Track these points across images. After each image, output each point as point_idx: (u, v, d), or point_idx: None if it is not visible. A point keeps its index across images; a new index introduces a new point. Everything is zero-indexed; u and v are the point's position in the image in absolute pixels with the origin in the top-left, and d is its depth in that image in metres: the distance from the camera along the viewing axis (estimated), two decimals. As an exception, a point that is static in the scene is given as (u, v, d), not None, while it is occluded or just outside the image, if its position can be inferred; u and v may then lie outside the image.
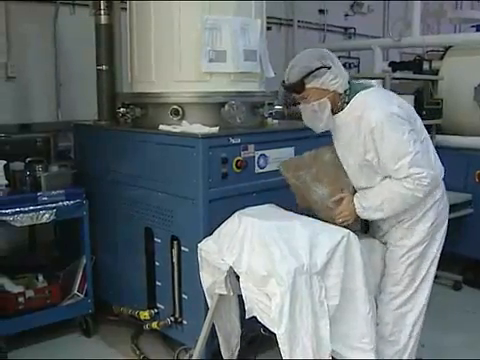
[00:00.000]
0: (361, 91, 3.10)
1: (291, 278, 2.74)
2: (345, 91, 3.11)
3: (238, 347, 3.55)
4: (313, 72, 3.01)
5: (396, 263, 3.21)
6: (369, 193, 3.13)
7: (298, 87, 3.08)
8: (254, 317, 2.92)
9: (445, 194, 3.27)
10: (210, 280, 3.23)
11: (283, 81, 3.16)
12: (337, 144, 3.27)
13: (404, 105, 3.09)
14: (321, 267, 2.86)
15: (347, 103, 3.10)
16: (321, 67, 3.02)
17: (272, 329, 2.76)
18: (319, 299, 2.84)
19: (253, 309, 2.87)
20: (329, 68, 3.02)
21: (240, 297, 3.16)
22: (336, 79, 3.05)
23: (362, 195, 3.17)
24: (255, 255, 2.93)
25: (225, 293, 3.16)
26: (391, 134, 2.93)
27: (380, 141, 2.95)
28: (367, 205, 3.12)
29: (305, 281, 2.80)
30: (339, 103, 3.11)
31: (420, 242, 3.16)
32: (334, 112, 3.13)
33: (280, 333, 2.71)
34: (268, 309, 2.77)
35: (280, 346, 2.72)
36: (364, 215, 3.17)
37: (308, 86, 3.05)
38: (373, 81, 3.41)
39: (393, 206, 3.06)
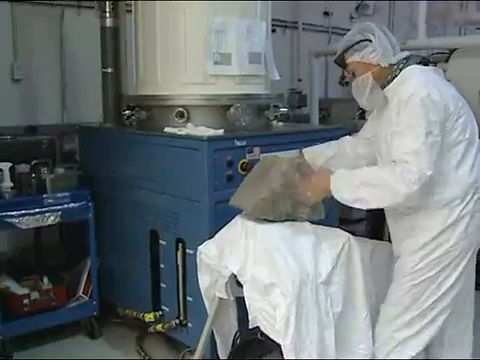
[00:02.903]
0: (414, 65, 2.93)
1: (297, 289, 2.73)
2: (398, 65, 2.91)
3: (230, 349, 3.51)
4: (353, 46, 2.91)
5: (399, 281, 2.93)
6: (354, 170, 2.95)
7: (341, 61, 3.00)
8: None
9: (478, 216, 2.85)
10: (208, 282, 3.20)
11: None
12: (378, 124, 3.05)
13: (447, 96, 2.79)
14: (326, 276, 2.85)
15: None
16: (361, 40, 2.90)
17: (277, 340, 2.73)
18: (325, 309, 2.83)
19: (257, 319, 2.83)
20: (370, 41, 2.88)
21: (238, 299, 3.17)
22: (376, 52, 2.88)
23: (346, 169, 2.98)
24: (259, 263, 2.90)
25: (225, 297, 3.15)
26: (414, 111, 2.71)
27: (402, 114, 2.75)
28: (344, 179, 2.90)
29: (311, 291, 2.79)
30: (389, 77, 2.92)
31: (432, 265, 2.83)
32: (383, 87, 2.95)
33: (286, 344, 2.68)
34: (272, 319, 2.74)
35: (285, 356, 2.69)
36: (337, 190, 2.89)
37: (349, 60, 2.96)
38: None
39: (369, 192, 2.77)
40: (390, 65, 2.91)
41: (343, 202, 2.90)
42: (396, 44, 2.97)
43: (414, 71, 2.89)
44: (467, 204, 2.80)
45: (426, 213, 2.85)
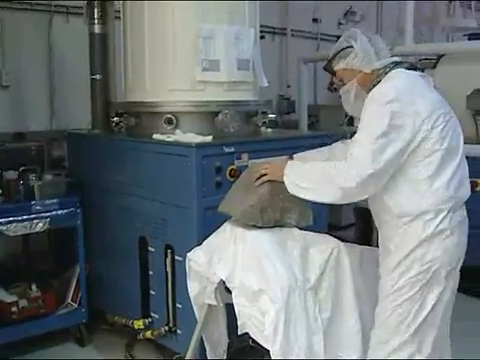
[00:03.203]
0: (398, 69, 2.86)
1: (285, 295, 2.73)
2: (384, 69, 2.85)
3: (225, 356, 3.51)
4: (338, 53, 2.92)
5: (384, 301, 2.82)
6: (310, 162, 2.99)
7: (330, 69, 3.02)
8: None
9: (459, 232, 2.78)
10: (197, 289, 3.20)
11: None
12: None
13: (423, 103, 2.67)
14: (314, 282, 2.86)
15: None
16: (346, 47, 2.90)
17: (266, 346, 2.73)
18: (313, 314, 2.84)
19: (246, 325, 2.83)
20: (352, 47, 2.88)
21: (227, 306, 3.17)
22: (357, 58, 2.86)
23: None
24: (247, 270, 2.90)
25: (214, 304, 3.15)
26: (373, 110, 2.68)
27: (363, 113, 2.72)
28: (296, 167, 2.92)
29: (299, 297, 2.80)
30: (375, 82, 2.84)
31: (412, 284, 2.73)
32: (369, 92, 2.85)
33: (275, 350, 2.68)
34: (261, 325, 2.75)
35: None
36: (287, 175, 2.90)
37: (336, 68, 2.97)
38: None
39: (311, 183, 2.79)
40: (375, 70, 2.88)
41: (290, 190, 2.90)
42: (383, 49, 2.94)
43: (397, 74, 2.83)
44: (444, 219, 2.70)
45: (397, 225, 2.76)
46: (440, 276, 2.73)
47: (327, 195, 2.77)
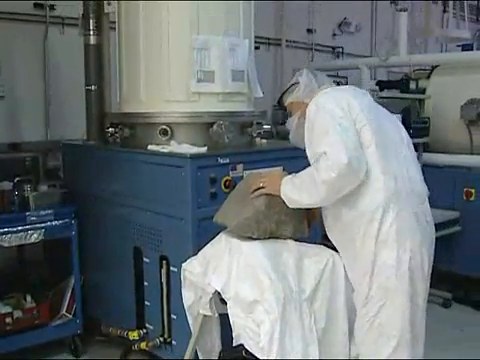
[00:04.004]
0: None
1: (281, 306, 2.74)
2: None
3: None
4: (287, 89, 3.21)
5: (360, 312, 2.87)
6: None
7: (281, 105, 3.30)
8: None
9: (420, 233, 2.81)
10: (192, 299, 3.20)
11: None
12: None
13: (349, 102, 2.85)
14: (310, 293, 2.87)
15: None
16: (293, 84, 3.18)
17: (261, 357, 2.74)
18: (309, 325, 2.84)
19: (241, 336, 2.84)
20: (298, 83, 3.15)
21: (221, 316, 3.16)
22: (301, 90, 3.12)
23: None
24: (242, 281, 2.90)
25: (209, 314, 3.15)
26: (316, 117, 2.83)
27: (306, 127, 2.89)
28: (291, 179, 2.95)
29: (294, 308, 2.80)
30: None
31: (380, 294, 2.77)
32: None
33: None
34: (256, 336, 2.75)
35: None
36: (284, 186, 2.95)
37: (286, 103, 3.23)
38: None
39: (300, 185, 2.85)
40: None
41: (288, 203, 2.95)
42: (326, 82, 3.15)
43: (322, 91, 3.03)
44: (392, 219, 2.73)
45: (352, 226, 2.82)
46: (407, 280, 2.74)
47: (315, 195, 2.79)
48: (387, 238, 2.73)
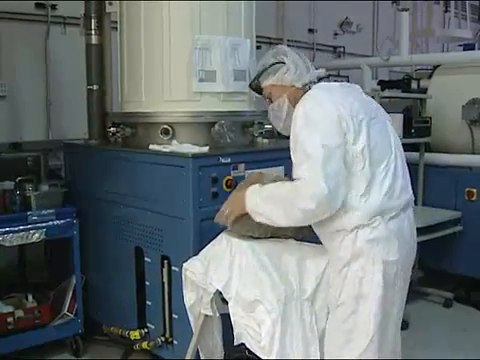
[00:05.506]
0: (319, 84, 2.89)
1: (282, 305, 2.74)
2: (309, 85, 2.88)
3: None
4: (267, 69, 2.91)
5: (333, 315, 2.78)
6: (267, 185, 2.86)
7: (256, 86, 3.00)
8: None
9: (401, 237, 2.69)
10: (193, 299, 3.19)
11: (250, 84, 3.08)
12: None
13: (343, 109, 2.64)
14: (311, 293, 2.86)
15: None
16: (275, 63, 2.90)
17: (262, 356, 2.74)
18: (310, 325, 2.83)
19: (242, 335, 2.84)
20: (283, 63, 2.88)
21: (223, 316, 3.16)
22: (289, 72, 2.86)
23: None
24: (244, 280, 2.90)
25: (210, 314, 3.15)
26: (302, 128, 2.63)
27: (292, 133, 2.69)
28: (256, 193, 2.82)
29: (295, 308, 2.80)
30: (300, 98, 2.80)
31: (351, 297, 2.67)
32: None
33: None
34: (258, 336, 2.76)
35: None
36: (249, 202, 2.82)
37: (264, 84, 2.95)
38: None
39: (270, 207, 2.72)
40: (304, 85, 2.88)
41: (255, 218, 2.82)
42: (311, 66, 2.95)
43: (314, 90, 2.82)
44: (375, 229, 2.62)
45: (331, 238, 2.74)
46: (377, 288, 2.63)
47: (286, 218, 2.69)
48: (362, 246, 2.62)
